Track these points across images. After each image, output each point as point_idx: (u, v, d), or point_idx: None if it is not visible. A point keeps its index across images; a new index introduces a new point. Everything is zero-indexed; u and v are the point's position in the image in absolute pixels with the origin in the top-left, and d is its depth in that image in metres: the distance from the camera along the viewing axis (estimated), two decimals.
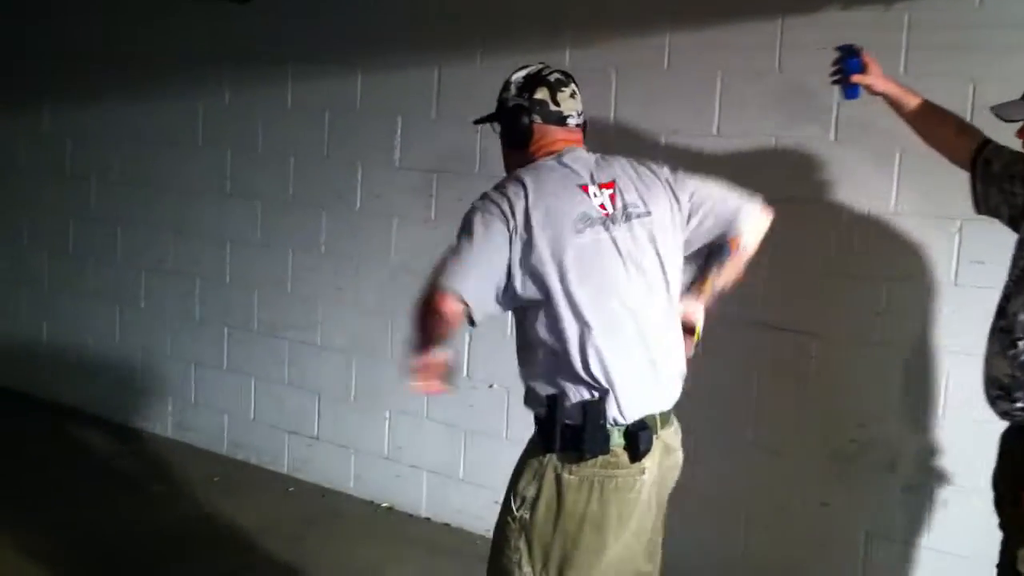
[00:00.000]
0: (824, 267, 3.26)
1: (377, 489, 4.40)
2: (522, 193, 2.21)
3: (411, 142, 4.19)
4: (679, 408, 2.37)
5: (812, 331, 3.30)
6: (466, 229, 2.21)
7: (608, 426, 2.17)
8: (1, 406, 5.51)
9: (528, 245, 2.16)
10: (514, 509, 2.25)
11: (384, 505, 4.36)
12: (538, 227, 2.17)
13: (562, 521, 2.20)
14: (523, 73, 2.39)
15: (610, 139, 3.61)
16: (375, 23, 4.23)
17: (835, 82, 2.59)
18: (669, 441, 2.32)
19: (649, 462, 2.22)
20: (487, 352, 4.02)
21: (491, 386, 4.03)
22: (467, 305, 2.16)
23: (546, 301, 2.17)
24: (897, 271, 3.15)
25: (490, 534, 2.38)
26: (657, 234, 2.29)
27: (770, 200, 3.27)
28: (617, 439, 2.17)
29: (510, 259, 2.17)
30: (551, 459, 2.21)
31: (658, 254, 2.29)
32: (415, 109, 4.12)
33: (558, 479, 2.20)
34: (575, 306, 2.16)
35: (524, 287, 2.18)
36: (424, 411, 4.24)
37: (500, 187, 2.27)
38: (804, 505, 3.35)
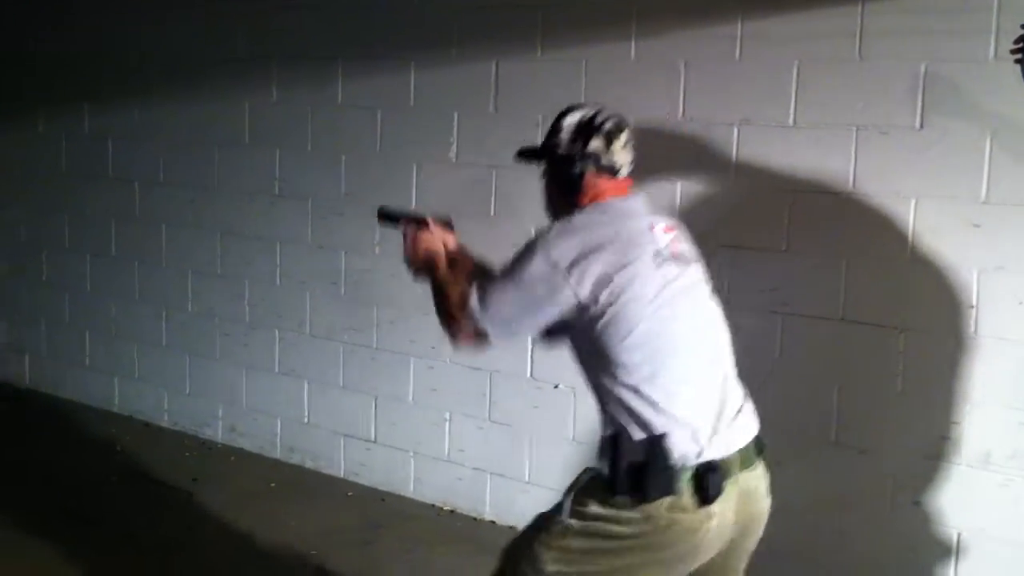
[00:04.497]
0: (911, 259, 3.16)
1: (438, 492, 4.33)
2: (597, 233, 2.19)
3: (468, 137, 4.09)
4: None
5: (899, 326, 3.20)
6: (524, 266, 2.19)
7: (674, 467, 2.08)
8: (48, 414, 5.46)
9: (597, 284, 2.12)
10: (565, 511, 2.16)
11: (446, 508, 4.29)
12: (612, 265, 2.13)
13: (616, 551, 2.12)
14: (576, 118, 2.33)
15: (679, 131, 3.53)
16: (428, 15, 4.13)
17: (1017, 61, 2.46)
18: (751, 485, 2.21)
19: (719, 507, 2.11)
20: (551, 352, 3.93)
21: (556, 386, 3.95)
22: (487, 336, 2.28)
23: (616, 333, 2.12)
24: (990, 261, 3.05)
25: None
26: (705, 287, 2.32)
27: (853, 191, 3.23)
28: (684, 481, 2.08)
29: (563, 310, 2.16)
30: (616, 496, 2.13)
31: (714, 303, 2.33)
32: (472, 104, 4.03)
33: (619, 511, 2.10)
34: (648, 339, 2.11)
35: (589, 321, 2.15)
36: (487, 413, 4.15)
37: (569, 229, 2.22)
38: (895, 505, 3.26)
